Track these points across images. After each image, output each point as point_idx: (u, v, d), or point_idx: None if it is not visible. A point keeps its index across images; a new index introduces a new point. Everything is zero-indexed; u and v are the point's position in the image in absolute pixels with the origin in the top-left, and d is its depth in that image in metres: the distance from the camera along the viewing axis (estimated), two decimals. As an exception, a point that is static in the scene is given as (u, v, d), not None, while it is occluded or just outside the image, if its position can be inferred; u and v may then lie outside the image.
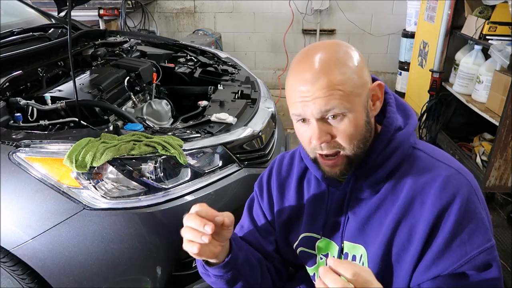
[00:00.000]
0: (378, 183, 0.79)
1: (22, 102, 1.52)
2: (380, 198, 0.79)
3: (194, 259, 1.44)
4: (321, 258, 0.89)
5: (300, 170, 0.92)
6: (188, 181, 1.38)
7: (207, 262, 0.84)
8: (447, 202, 0.72)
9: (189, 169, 1.39)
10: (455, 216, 0.72)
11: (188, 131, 1.49)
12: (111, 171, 1.29)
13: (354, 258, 0.83)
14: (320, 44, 0.77)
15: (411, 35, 3.69)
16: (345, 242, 0.84)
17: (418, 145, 0.81)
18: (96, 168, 1.27)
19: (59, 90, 1.70)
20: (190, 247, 0.73)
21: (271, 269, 0.95)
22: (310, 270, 0.92)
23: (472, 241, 0.72)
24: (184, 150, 1.36)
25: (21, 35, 1.91)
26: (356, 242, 0.82)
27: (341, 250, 0.85)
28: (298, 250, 0.92)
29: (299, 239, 0.91)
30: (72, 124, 1.53)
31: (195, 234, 0.71)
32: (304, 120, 0.75)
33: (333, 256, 0.86)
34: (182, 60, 2.42)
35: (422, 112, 2.89)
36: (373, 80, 0.79)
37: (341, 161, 0.76)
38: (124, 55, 2.26)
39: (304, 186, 0.91)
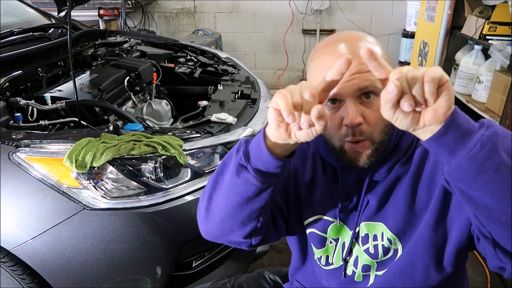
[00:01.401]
0: (395, 163, 0.80)
1: (22, 102, 1.52)
2: (395, 175, 0.80)
3: (194, 259, 1.45)
4: (330, 242, 0.88)
5: (314, 151, 0.90)
6: (188, 181, 1.38)
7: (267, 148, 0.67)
8: None
9: (189, 169, 1.39)
10: None
11: (188, 131, 1.49)
12: (111, 171, 1.29)
13: (375, 237, 0.83)
14: (344, 32, 0.79)
15: (411, 35, 3.69)
16: (362, 224, 0.83)
17: None
18: (96, 168, 1.27)
19: (59, 90, 1.71)
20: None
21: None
22: (317, 252, 0.91)
23: None
24: (184, 150, 1.36)
25: (21, 35, 1.91)
26: (374, 220, 0.82)
27: (354, 234, 0.84)
28: (308, 231, 0.90)
29: (313, 219, 0.89)
30: (72, 124, 1.53)
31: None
32: (334, 101, 0.73)
33: (345, 243, 0.86)
34: (182, 60, 2.42)
35: (422, 112, 2.88)
36: None
37: (369, 145, 0.74)
38: (124, 55, 2.26)
39: (318, 166, 0.89)
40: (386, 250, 0.83)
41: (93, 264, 1.30)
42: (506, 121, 2.01)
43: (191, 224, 1.38)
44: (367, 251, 0.84)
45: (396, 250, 0.82)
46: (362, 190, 0.83)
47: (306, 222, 0.90)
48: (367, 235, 0.83)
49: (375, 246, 0.83)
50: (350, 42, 0.74)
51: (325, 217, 0.88)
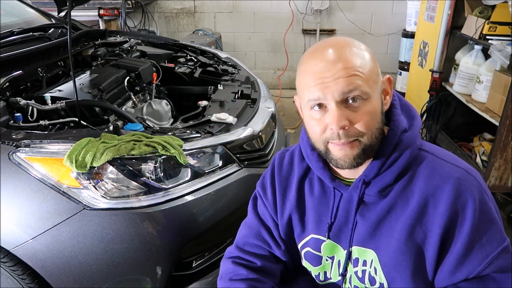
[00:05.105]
0: (387, 186, 0.79)
1: (22, 102, 1.52)
2: (390, 202, 0.79)
3: (194, 259, 1.45)
4: (326, 260, 0.89)
5: (302, 170, 0.91)
6: (188, 181, 1.38)
7: None
8: (461, 205, 0.73)
9: (189, 169, 1.39)
10: (471, 220, 0.72)
11: (188, 131, 1.49)
12: (111, 171, 1.29)
13: (364, 263, 0.83)
14: (332, 38, 0.79)
15: (411, 35, 3.69)
16: (354, 246, 0.83)
17: (423, 147, 0.81)
18: (96, 168, 1.27)
19: (59, 90, 1.70)
20: None
21: (280, 270, 0.95)
22: (314, 269, 0.92)
23: (491, 242, 0.73)
24: (184, 150, 1.36)
25: (21, 35, 1.91)
26: (366, 246, 0.82)
27: (348, 254, 0.84)
28: (303, 251, 0.91)
29: (306, 240, 0.90)
30: (72, 124, 1.53)
31: None
32: (320, 105, 0.73)
33: (340, 260, 0.87)
34: (182, 60, 2.42)
35: (422, 112, 2.89)
36: None
37: (357, 146, 0.73)
38: (124, 55, 2.26)
39: (305, 187, 0.90)
40: (372, 280, 0.83)
41: (93, 264, 1.30)
42: (506, 121, 2.01)
43: (191, 224, 1.38)
44: (356, 273, 0.85)
45: (382, 285, 0.82)
46: (352, 210, 0.82)
47: (301, 243, 0.91)
48: (357, 259, 0.84)
49: (363, 272, 0.83)
50: (336, 47, 0.73)
51: (316, 236, 0.88)
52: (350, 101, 0.72)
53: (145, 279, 1.36)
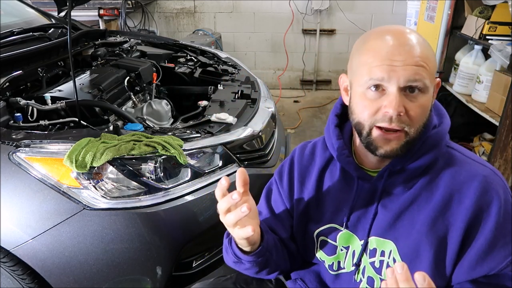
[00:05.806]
0: (412, 178, 0.80)
1: (22, 102, 1.52)
2: (414, 194, 0.80)
3: (194, 259, 1.45)
4: (341, 250, 0.89)
5: (324, 160, 0.92)
6: (188, 181, 1.38)
7: (241, 251, 0.84)
8: (486, 203, 0.74)
9: (189, 169, 1.39)
10: (496, 217, 0.74)
11: (188, 131, 1.49)
12: (111, 171, 1.29)
13: (383, 253, 0.83)
14: (397, 25, 0.77)
15: (411, 35, 3.69)
16: (372, 237, 0.83)
17: (451, 145, 0.83)
18: (96, 168, 1.27)
19: (59, 90, 1.70)
20: (245, 230, 0.73)
21: (286, 253, 0.96)
22: (328, 259, 0.92)
23: None
24: (184, 150, 1.36)
25: (21, 35, 1.91)
26: (385, 237, 0.82)
27: (365, 245, 0.84)
28: (319, 239, 0.91)
29: (322, 229, 0.90)
30: (72, 124, 1.53)
31: (236, 212, 0.72)
32: (377, 87, 0.72)
33: (355, 251, 0.87)
34: (182, 60, 2.42)
35: (422, 112, 2.89)
36: None
37: (403, 138, 0.74)
38: (124, 55, 2.26)
39: (326, 177, 0.91)
40: None
41: (93, 264, 1.30)
42: (506, 121, 2.01)
43: (191, 224, 1.38)
44: (372, 264, 0.85)
45: None
46: (374, 201, 0.83)
47: (316, 232, 0.91)
48: (375, 250, 0.84)
49: (381, 262, 0.83)
50: (408, 34, 0.73)
51: (333, 225, 0.89)
52: (408, 90, 0.72)
53: (145, 279, 1.36)
